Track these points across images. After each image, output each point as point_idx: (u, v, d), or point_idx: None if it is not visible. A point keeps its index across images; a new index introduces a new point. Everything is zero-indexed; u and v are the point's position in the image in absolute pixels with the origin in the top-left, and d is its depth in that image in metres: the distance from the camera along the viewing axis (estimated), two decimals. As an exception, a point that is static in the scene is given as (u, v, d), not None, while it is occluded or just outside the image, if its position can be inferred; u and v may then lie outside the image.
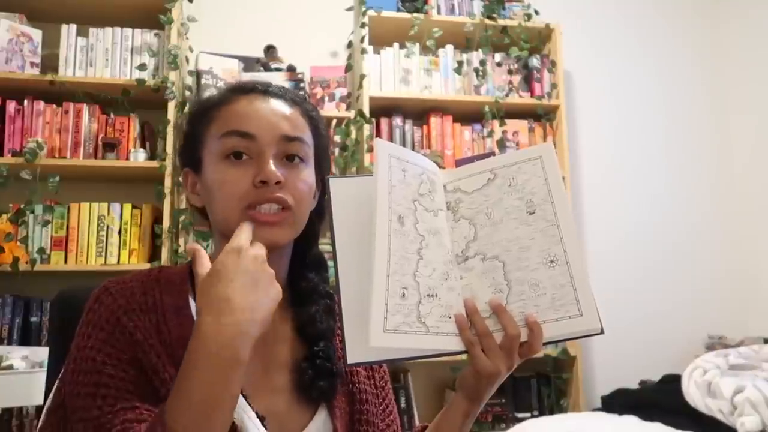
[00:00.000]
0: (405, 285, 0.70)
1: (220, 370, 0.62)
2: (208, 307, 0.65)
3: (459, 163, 0.85)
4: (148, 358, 0.71)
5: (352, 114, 2.59)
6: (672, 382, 2.34)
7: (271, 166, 0.77)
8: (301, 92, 2.56)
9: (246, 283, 0.66)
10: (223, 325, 0.63)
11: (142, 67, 2.44)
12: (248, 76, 2.50)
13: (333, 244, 0.73)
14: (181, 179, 0.90)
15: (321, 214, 0.89)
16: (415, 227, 0.74)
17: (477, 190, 0.80)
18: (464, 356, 0.75)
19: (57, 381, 0.76)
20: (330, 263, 0.94)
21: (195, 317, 0.77)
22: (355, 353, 0.67)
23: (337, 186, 0.77)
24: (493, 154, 0.86)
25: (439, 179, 0.81)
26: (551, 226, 0.76)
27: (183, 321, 0.75)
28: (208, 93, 2.32)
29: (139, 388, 0.70)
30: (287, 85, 2.45)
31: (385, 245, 0.70)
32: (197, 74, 2.54)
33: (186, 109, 2.46)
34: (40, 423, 0.76)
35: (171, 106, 2.40)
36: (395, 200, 0.73)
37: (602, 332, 0.72)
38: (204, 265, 0.71)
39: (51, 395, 0.79)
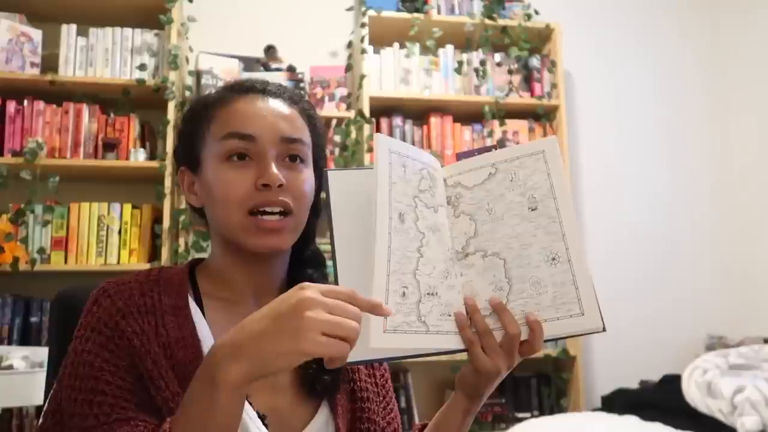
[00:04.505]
0: (405, 284, 0.70)
1: (201, 387, 0.61)
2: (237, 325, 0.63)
3: (460, 156, 0.83)
4: (145, 365, 0.71)
5: (352, 114, 2.59)
6: (672, 382, 2.34)
7: (273, 168, 0.77)
8: (302, 92, 2.56)
9: (270, 319, 0.59)
10: (222, 345, 0.61)
11: (142, 67, 2.44)
12: (248, 76, 2.50)
13: (332, 239, 0.72)
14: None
15: (317, 211, 0.89)
16: (416, 224, 0.74)
17: (478, 185, 0.79)
18: (464, 355, 0.75)
19: (54, 384, 0.75)
20: (329, 260, 0.94)
21: (194, 317, 0.77)
22: (354, 352, 0.66)
23: (336, 179, 0.75)
24: (494, 147, 0.84)
25: (440, 174, 0.80)
26: (553, 222, 0.75)
27: (182, 322, 0.75)
28: (206, 93, 2.32)
29: (136, 396, 0.69)
30: (287, 85, 2.45)
31: (386, 244, 0.69)
32: (197, 74, 2.54)
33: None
34: (38, 426, 0.76)
35: (171, 106, 2.40)
36: (396, 197, 0.72)
37: (604, 330, 0.72)
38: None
39: (48, 398, 0.79)
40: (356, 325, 0.59)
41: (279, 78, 2.53)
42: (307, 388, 0.81)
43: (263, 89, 0.84)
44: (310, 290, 0.60)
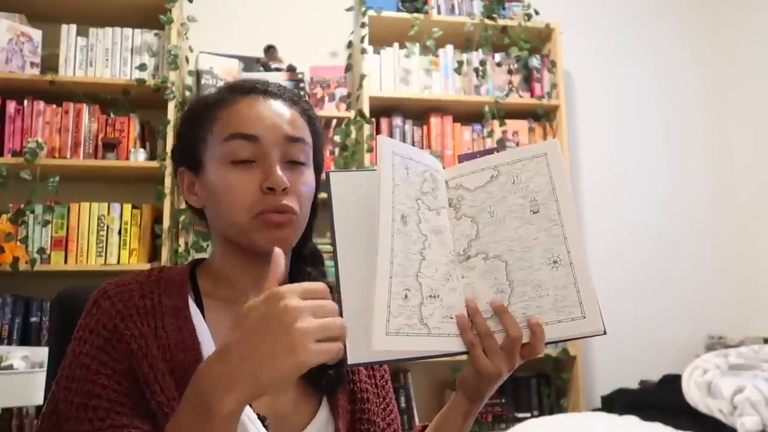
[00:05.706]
0: (408, 286, 0.69)
1: (193, 416, 0.59)
2: (219, 346, 0.61)
3: (461, 158, 0.83)
4: (142, 369, 0.70)
5: (352, 114, 2.59)
6: (672, 382, 2.34)
7: (278, 170, 0.78)
8: (302, 92, 2.56)
9: (259, 339, 0.57)
10: (210, 372, 0.59)
11: (142, 67, 2.44)
12: (248, 76, 2.50)
13: (333, 240, 0.72)
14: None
15: (315, 210, 0.89)
16: (418, 227, 0.73)
17: (480, 188, 0.79)
18: (465, 356, 0.75)
19: (53, 385, 0.75)
20: (329, 261, 0.95)
21: (194, 318, 0.77)
22: (355, 354, 0.66)
23: (338, 181, 0.75)
24: (495, 150, 0.84)
25: (441, 176, 0.80)
26: (555, 225, 0.75)
27: (182, 324, 0.75)
28: (206, 93, 2.33)
29: (131, 400, 0.69)
30: (287, 85, 2.45)
31: (389, 246, 0.69)
32: (197, 74, 2.54)
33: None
34: (36, 428, 0.76)
35: (171, 106, 2.40)
36: (398, 199, 0.72)
37: (605, 333, 0.72)
38: (271, 279, 0.63)
39: (47, 399, 0.78)
40: (341, 321, 0.60)
41: (279, 78, 2.53)
42: (312, 383, 0.81)
43: (264, 90, 0.84)
44: (289, 298, 0.58)
